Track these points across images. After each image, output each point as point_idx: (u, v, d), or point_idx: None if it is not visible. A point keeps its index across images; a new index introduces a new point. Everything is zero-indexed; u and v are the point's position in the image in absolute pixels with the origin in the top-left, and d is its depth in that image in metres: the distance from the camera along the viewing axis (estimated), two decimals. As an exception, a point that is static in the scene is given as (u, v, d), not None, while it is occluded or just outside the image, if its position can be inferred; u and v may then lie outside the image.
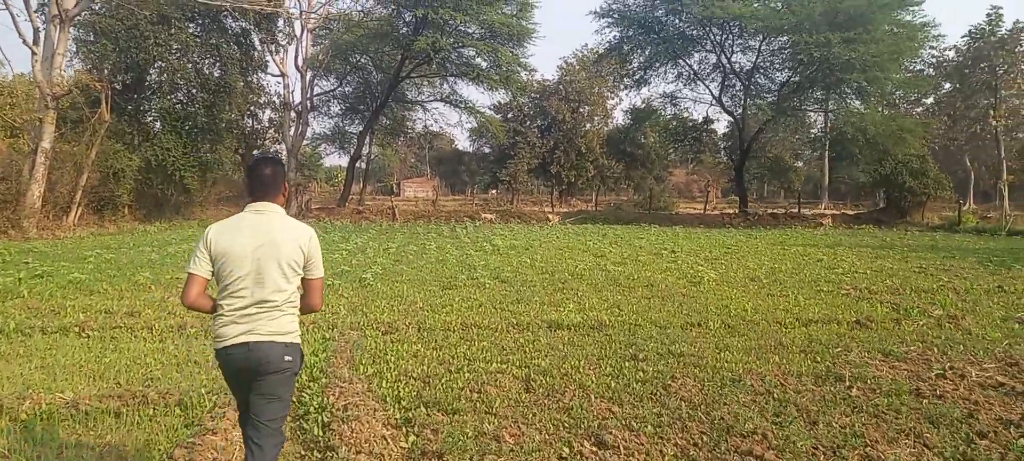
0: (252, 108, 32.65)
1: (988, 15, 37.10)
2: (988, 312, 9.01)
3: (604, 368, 6.11)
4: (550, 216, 32.29)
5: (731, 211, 35.32)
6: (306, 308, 3.37)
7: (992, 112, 34.77)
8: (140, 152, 24.17)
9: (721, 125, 45.76)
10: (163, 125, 25.35)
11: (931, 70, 40.01)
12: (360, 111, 37.21)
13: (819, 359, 6.50)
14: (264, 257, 3.14)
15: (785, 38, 29.91)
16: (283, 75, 32.33)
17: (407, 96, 37.19)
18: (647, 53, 34.32)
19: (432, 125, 41.85)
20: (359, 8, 32.11)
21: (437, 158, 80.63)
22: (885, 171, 29.71)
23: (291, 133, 33.17)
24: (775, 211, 34.54)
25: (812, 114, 33.72)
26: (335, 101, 37.19)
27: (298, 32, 32.18)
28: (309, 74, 33.66)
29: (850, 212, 35.20)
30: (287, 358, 3.20)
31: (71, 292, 9.62)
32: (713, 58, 34.52)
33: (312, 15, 32.21)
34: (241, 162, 35.31)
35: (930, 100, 43.59)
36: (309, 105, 33.65)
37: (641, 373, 5.94)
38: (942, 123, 41.47)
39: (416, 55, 29.65)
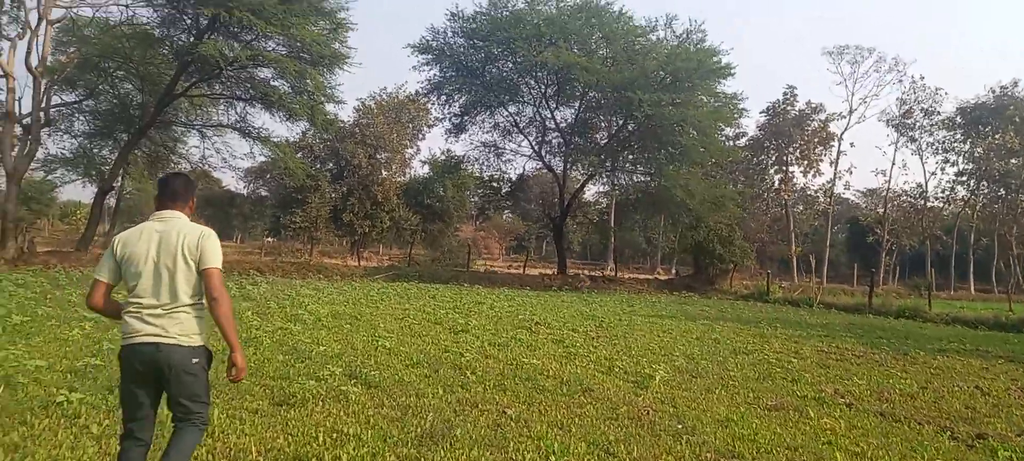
0: (-44, 116, 24.41)
1: (784, 93, 40.14)
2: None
3: None
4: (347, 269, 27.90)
5: (549, 272, 33.50)
6: (209, 301, 3.40)
7: (783, 186, 37.13)
8: None
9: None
10: None
11: (730, 142, 42.43)
12: (115, 133, 29.92)
13: None
14: (164, 259, 3.34)
15: (607, 94, 29.10)
16: (7, 75, 24.57)
17: (181, 118, 30.66)
18: (465, 98, 31.88)
19: (211, 156, 35.23)
20: (122, 5, 25.49)
21: (204, 199, 71.14)
22: (698, 237, 29.69)
23: (13, 153, 25.23)
24: (593, 274, 33.35)
25: (627, 175, 33.32)
26: (81, 116, 29.54)
27: (34, 22, 24.79)
28: (45, 80, 26.06)
29: (661, 277, 35.21)
30: (194, 361, 3.36)
31: None
32: (529, 111, 33.05)
33: (55, 4, 24.98)
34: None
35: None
36: (43, 118, 25.95)
37: None
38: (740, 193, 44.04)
39: (198, 67, 24.07)
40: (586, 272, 34.50)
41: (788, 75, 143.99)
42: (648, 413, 6.75)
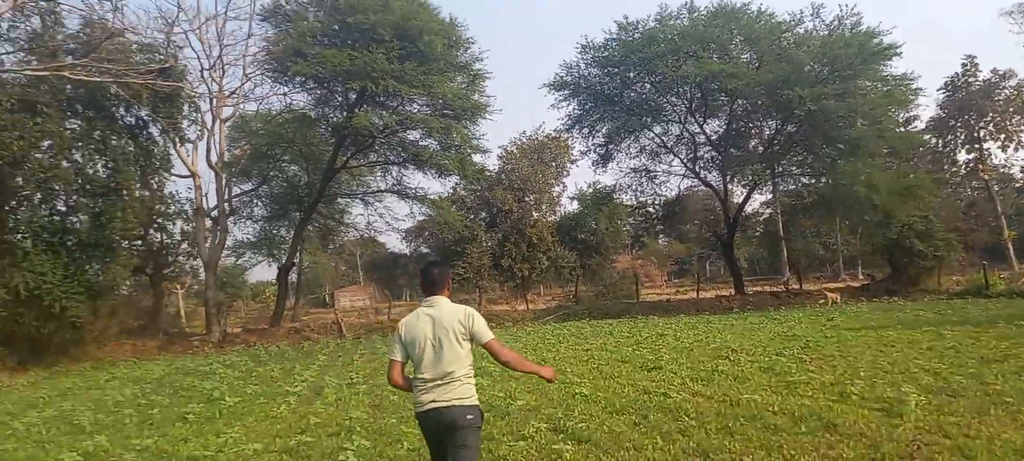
0: (158, 219, 27.22)
1: (964, 65, 35.84)
2: None
3: None
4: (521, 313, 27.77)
5: (724, 293, 31.63)
6: (505, 365, 4.07)
7: (980, 166, 32.87)
8: (3, 280, 18.45)
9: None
10: (34, 244, 19.61)
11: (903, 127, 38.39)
12: (289, 212, 32.17)
13: None
14: (440, 338, 3.97)
15: (758, 98, 27.24)
16: (193, 175, 27.16)
17: (344, 190, 32.45)
18: (607, 127, 31.24)
19: (375, 221, 36.96)
20: (280, 94, 27.55)
21: (371, 263, 75.21)
22: (891, 234, 26.70)
23: (207, 244, 27.73)
24: (774, 290, 31.06)
25: (792, 180, 30.91)
26: (258, 202, 32.06)
27: (210, 123, 27.31)
28: (225, 174, 28.57)
29: (854, 284, 32.15)
30: (468, 416, 3.93)
31: None
32: (676, 129, 31.78)
33: (227, 100, 27.37)
34: (150, 285, 29.54)
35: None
36: (227, 208, 28.38)
37: None
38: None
39: (353, 139, 25.31)
40: (769, 289, 32.20)
41: (948, 48, 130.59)
42: (920, 449, 5.60)
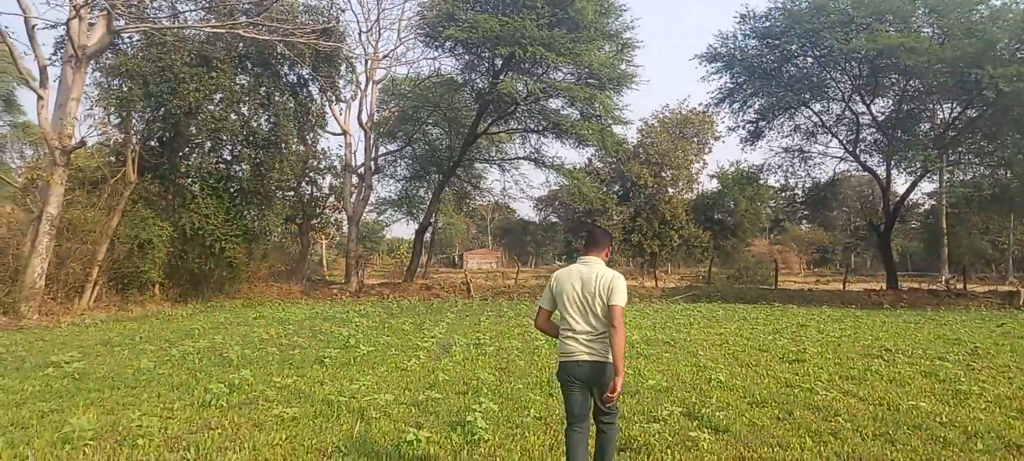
0: (310, 173, 28.85)
1: None
2: None
3: None
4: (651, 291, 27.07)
5: (875, 288, 29.29)
6: (611, 329, 4.15)
7: None
8: (173, 219, 20.22)
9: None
10: (202, 188, 21.33)
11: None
12: (429, 174, 33.10)
13: None
14: (586, 295, 4.22)
15: (936, 77, 24.51)
16: (345, 133, 28.51)
17: (482, 156, 32.89)
18: (760, 102, 29.47)
19: (510, 188, 37.43)
20: (430, 58, 28.18)
21: (501, 228, 76.51)
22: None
23: (352, 199, 29.12)
24: (933, 287, 28.40)
25: (965, 170, 27.81)
26: (401, 162, 33.23)
27: (363, 84, 28.45)
28: (373, 133, 29.78)
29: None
30: (610, 370, 4.19)
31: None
32: (836, 108, 29.39)
33: (380, 62, 28.36)
34: (298, 233, 31.52)
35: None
36: (373, 166, 29.59)
37: None
38: None
39: (496, 106, 25.43)
40: (926, 286, 29.48)
41: None
42: None
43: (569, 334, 4.26)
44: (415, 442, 5.54)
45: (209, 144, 22.20)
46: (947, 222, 36.98)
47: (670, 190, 47.68)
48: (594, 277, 4.22)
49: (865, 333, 14.56)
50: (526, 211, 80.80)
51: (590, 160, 45.32)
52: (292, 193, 28.84)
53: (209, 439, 5.70)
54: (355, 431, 6.04)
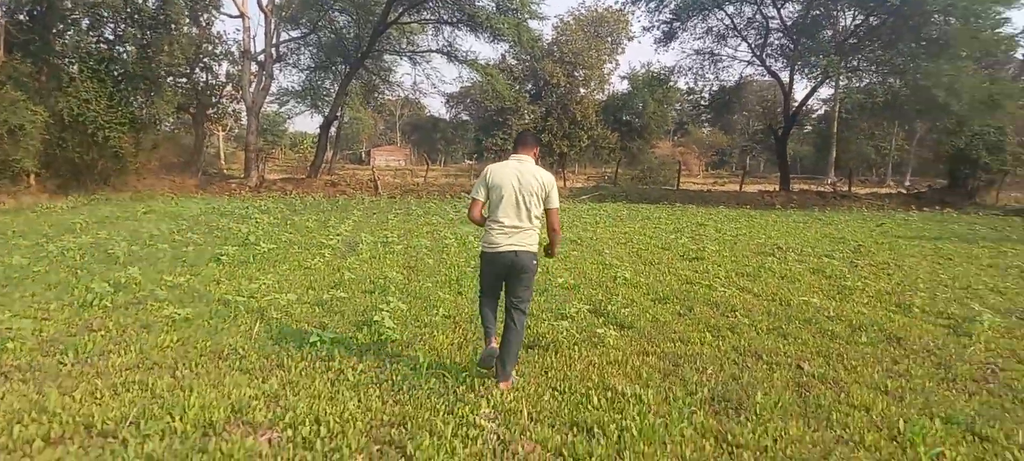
0: (204, 58, 26.86)
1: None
2: None
3: None
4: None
5: (768, 189, 30.71)
6: (552, 232, 4.74)
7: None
8: (48, 104, 18.44)
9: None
10: (81, 70, 19.45)
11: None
12: (335, 65, 31.48)
13: None
14: (522, 191, 4.48)
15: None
16: (242, 16, 26.48)
17: (394, 46, 31.46)
18: (677, 1, 29.39)
19: (421, 83, 36.24)
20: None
21: (411, 124, 74.73)
22: (960, 144, 25.23)
23: (251, 88, 27.42)
24: (821, 190, 30.03)
25: (860, 78, 28.93)
26: (306, 51, 31.39)
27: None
28: (274, 18, 27.79)
29: (905, 190, 30.89)
30: (534, 262, 4.60)
31: None
32: (748, 10, 29.73)
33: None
34: (192, 123, 29.62)
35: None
36: (274, 53, 27.81)
37: None
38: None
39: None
40: (815, 188, 31.14)
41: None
42: (995, 373, 5.17)
43: (497, 227, 4.51)
44: (319, 342, 5.35)
45: (87, 21, 20.13)
46: (837, 128, 38.81)
47: (582, 90, 47.66)
48: (531, 177, 4.51)
49: (759, 232, 15.28)
50: (437, 108, 79.22)
51: (504, 57, 44.44)
52: (185, 80, 26.88)
53: (90, 342, 5.29)
54: (255, 331, 5.77)
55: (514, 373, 4.66)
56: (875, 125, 39.51)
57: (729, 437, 3.83)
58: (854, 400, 4.49)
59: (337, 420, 3.90)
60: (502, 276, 4.61)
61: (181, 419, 3.85)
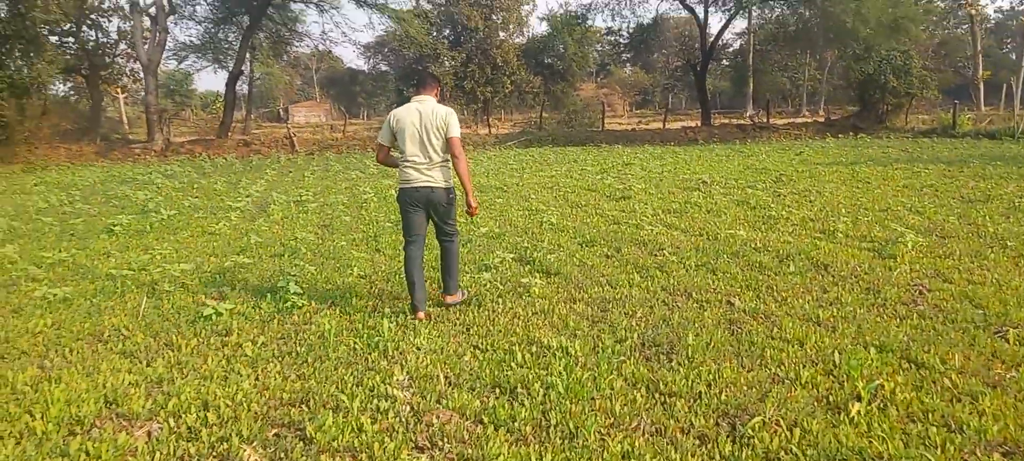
0: (91, 14, 24.75)
1: None
2: None
3: None
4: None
5: (690, 125, 30.99)
6: (455, 161, 4.75)
7: (966, 1, 31.63)
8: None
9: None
10: (-56, 30, 17.55)
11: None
12: (237, 16, 29.62)
13: None
14: (424, 129, 4.68)
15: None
16: (128, -35, 24.43)
17: (298, -5, 29.79)
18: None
19: (331, 31, 34.61)
20: None
21: (328, 79, 71.97)
22: (869, 70, 25.91)
23: (146, 46, 25.50)
24: (740, 123, 30.52)
25: (772, 8, 29.25)
26: (203, 2, 29.40)
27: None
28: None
29: (820, 119, 31.70)
30: (451, 194, 4.82)
31: None
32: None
33: None
34: (86, 86, 27.47)
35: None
36: (166, 6, 25.85)
37: None
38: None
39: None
40: (735, 121, 31.63)
41: None
42: (923, 294, 5.11)
43: (408, 164, 4.73)
44: (214, 316, 4.82)
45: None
46: (753, 61, 39.38)
47: (501, 34, 46.73)
48: (430, 112, 4.69)
49: (684, 168, 15.27)
50: (354, 59, 76.62)
51: (417, 1, 42.96)
52: (71, 39, 24.76)
53: (-56, 335, 4.61)
54: (141, 310, 5.17)
55: (461, 290, 5.14)
56: (789, 56, 40.29)
57: (661, 386, 3.56)
58: (787, 334, 4.31)
59: (228, 404, 3.44)
60: (423, 212, 4.82)
61: (42, 417, 3.32)
